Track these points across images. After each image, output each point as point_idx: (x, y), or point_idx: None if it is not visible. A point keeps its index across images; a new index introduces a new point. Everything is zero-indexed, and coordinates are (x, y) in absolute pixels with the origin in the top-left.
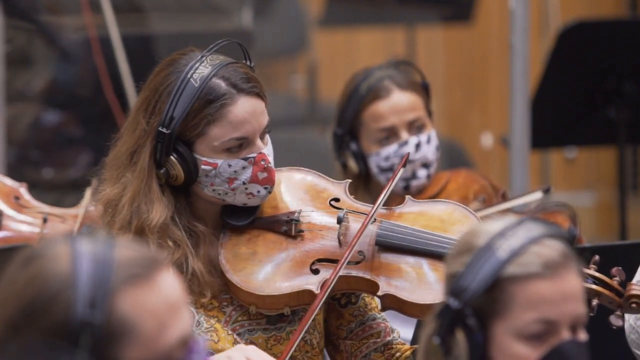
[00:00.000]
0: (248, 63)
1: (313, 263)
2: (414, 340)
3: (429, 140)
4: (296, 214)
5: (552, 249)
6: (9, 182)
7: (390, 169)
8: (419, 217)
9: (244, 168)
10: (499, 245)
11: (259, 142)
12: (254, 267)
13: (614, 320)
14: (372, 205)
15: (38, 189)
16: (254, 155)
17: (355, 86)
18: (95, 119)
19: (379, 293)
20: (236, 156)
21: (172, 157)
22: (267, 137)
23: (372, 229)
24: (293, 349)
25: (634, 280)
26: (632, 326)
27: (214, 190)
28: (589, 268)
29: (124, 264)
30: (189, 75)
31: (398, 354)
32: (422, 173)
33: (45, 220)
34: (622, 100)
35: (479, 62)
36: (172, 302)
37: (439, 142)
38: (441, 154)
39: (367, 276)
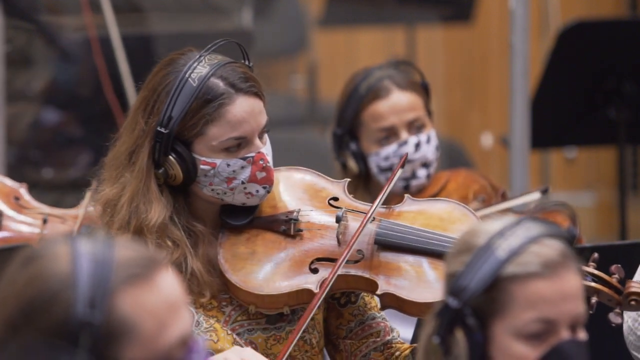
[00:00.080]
0: (246, 63)
1: (312, 262)
2: (413, 340)
3: (428, 140)
4: (295, 214)
5: (552, 248)
6: (9, 182)
7: (390, 169)
8: (419, 215)
9: (242, 168)
10: (499, 245)
11: (257, 141)
12: (253, 267)
13: (613, 317)
14: (371, 205)
15: (38, 189)
16: (253, 154)
17: (355, 86)
18: (95, 119)
19: (378, 292)
20: (235, 156)
21: (170, 157)
22: (266, 136)
23: (371, 227)
24: (291, 348)
25: (634, 280)
26: (631, 328)
27: (212, 189)
28: (588, 266)
29: (124, 264)
30: (187, 75)
31: (397, 353)
32: (421, 173)
33: (45, 221)
34: (622, 100)
35: (479, 62)
36: (172, 301)
37: (439, 142)
38: (441, 154)
39: (366, 275)
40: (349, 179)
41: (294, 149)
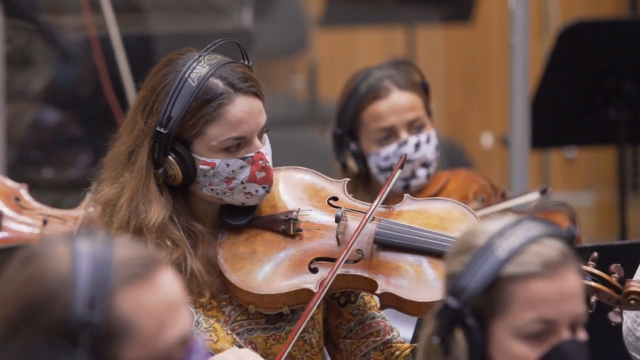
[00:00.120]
0: (246, 62)
1: (311, 262)
2: (414, 340)
3: (428, 140)
4: (294, 213)
5: (552, 248)
6: (9, 183)
7: (390, 169)
8: (418, 215)
9: (242, 167)
10: (498, 245)
11: (256, 141)
12: (253, 267)
13: (613, 317)
14: (370, 204)
15: (38, 189)
16: (252, 154)
17: (354, 86)
18: (95, 119)
19: (378, 291)
20: (234, 156)
21: (170, 157)
22: (265, 136)
23: (371, 227)
24: (290, 347)
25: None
26: (629, 329)
27: (212, 189)
28: (587, 265)
29: (123, 264)
30: (186, 75)
31: (397, 353)
32: (421, 173)
33: (45, 222)
34: (622, 100)
35: (479, 62)
36: (172, 301)
37: (439, 142)
38: (441, 154)
39: (366, 275)
40: (348, 179)
41: (294, 149)
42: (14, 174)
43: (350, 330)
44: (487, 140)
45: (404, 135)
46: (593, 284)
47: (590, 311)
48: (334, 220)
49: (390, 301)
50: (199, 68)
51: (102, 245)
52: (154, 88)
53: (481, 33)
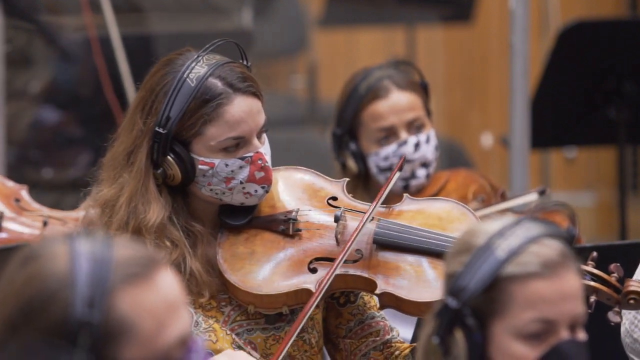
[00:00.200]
0: (245, 62)
1: (311, 262)
2: (413, 340)
3: (428, 140)
4: (294, 213)
5: (551, 248)
6: (10, 184)
7: (390, 169)
8: (417, 215)
9: (241, 167)
10: (498, 245)
11: (255, 141)
12: (252, 267)
13: (612, 316)
14: (370, 204)
15: (38, 189)
16: (251, 154)
17: (354, 86)
18: (95, 119)
19: (377, 291)
20: (233, 156)
21: (169, 157)
22: (264, 136)
23: (370, 227)
24: (287, 347)
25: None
26: (627, 330)
27: (211, 189)
28: (586, 265)
29: (123, 263)
30: (185, 75)
31: (397, 352)
32: (421, 173)
33: (45, 223)
34: (622, 100)
35: (479, 62)
36: (171, 301)
37: (439, 142)
38: (441, 154)
39: (365, 275)
40: (347, 179)
41: (293, 149)
42: (13, 174)
43: (349, 330)
44: (487, 140)
45: (403, 135)
46: (592, 283)
47: (589, 311)
48: (333, 220)
49: (390, 301)
50: (198, 68)
51: (102, 245)
52: (152, 88)
53: (481, 33)
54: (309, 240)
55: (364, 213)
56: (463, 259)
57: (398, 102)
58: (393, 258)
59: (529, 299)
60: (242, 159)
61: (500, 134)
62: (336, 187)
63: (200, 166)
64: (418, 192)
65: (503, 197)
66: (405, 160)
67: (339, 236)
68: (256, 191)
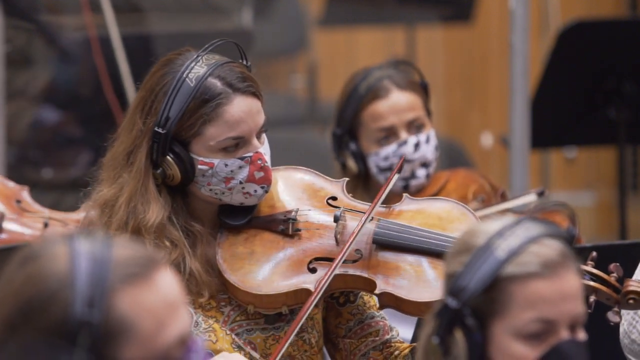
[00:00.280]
0: (244, 62)
1: (310, 262)
2: (413, 340)
3: (428, 140)
4: (293, 213)
5: (551, 248)
6: (11, 185)
7: (389, 169)
8: (417, 215)
9: (240, 167)
10: (498, 245)
11: (255, 141)
12: (252, 267)
13: (611, 316)
14: (369, 204)
15: (38, 189)
16: (251, 154)
17: (354, 86)
18: (95, 119)
19: (377, 291)
20: (233, 156)
21: (168, 157)
22: (264, 136)
23: (370, 227)
24: (286, 346)
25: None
26: (626, 331)
27: (210, 189)
28: (586, 265)
29: (122, 263)
30: (184, 75)
31: (397, 352)
32: (421, 172)
33: (46, 225)
34: (622, 100)
35: (479, 62)
36: (171, 301)
37: (439, 142)
38: (441, 154)
39: (365, 274)
40: (347, 179)
41: (293, 148)
42: (13, 174)
43: (349, 329)
44: (487, 140)
45: (403, 135)
46: (592, 283)
47: (589, 311)
48: (332, 220)
49: (389, 301)
50: (197, 68)
51: (101, 245)
52: (152, 88)
53: (481, 33)
54: (309, 240)
55: (364, 213)
56: (463, 259)
57: (398, 102)
58: (393, 258)
59: (529, 299)
60: (242, 159)
61: (500, 134)
62: (336, 187)
63: (199, 166)
64: (418, 192)
65: (503, 197)
66: (405, 160)
67: (338, 236)
68: (256, 191)
